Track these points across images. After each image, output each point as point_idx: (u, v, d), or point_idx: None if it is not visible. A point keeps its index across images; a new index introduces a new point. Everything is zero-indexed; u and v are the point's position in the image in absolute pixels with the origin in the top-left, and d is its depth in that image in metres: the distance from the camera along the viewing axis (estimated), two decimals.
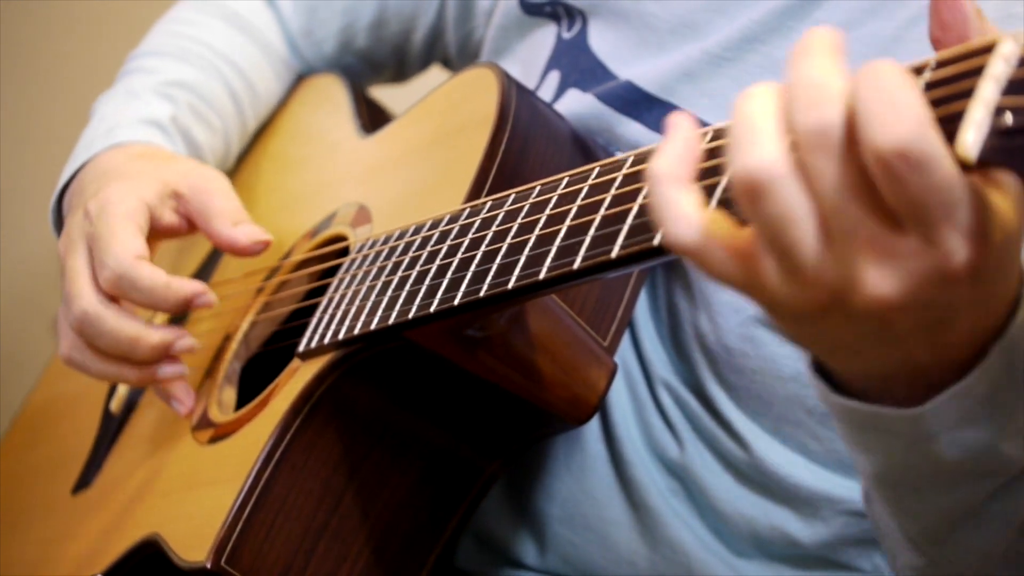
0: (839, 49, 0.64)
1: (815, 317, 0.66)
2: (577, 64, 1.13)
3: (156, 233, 1.09)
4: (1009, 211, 0.64)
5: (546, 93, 1.13)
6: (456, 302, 0.88)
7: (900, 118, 0.59)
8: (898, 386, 0.71)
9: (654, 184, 0.66)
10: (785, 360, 1.00)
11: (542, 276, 0.82)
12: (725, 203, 0.68)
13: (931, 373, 0.69)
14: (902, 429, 0.72)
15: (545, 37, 1.16)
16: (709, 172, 0.70)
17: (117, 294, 1.05)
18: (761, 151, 0.63)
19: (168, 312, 1.07)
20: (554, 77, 1.14)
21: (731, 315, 1.00)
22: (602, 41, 1.12)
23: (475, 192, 0.97)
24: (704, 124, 1.02)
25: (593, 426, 1.07)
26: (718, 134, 0.73)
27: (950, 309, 0.65)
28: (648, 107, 1.06)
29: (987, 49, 0.60)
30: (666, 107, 1.05)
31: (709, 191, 0.70)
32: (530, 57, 1.17)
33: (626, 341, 1.05)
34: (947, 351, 0.68)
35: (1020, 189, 0.63)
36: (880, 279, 0.63)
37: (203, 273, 1.27)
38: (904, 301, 0.63)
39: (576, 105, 1.10)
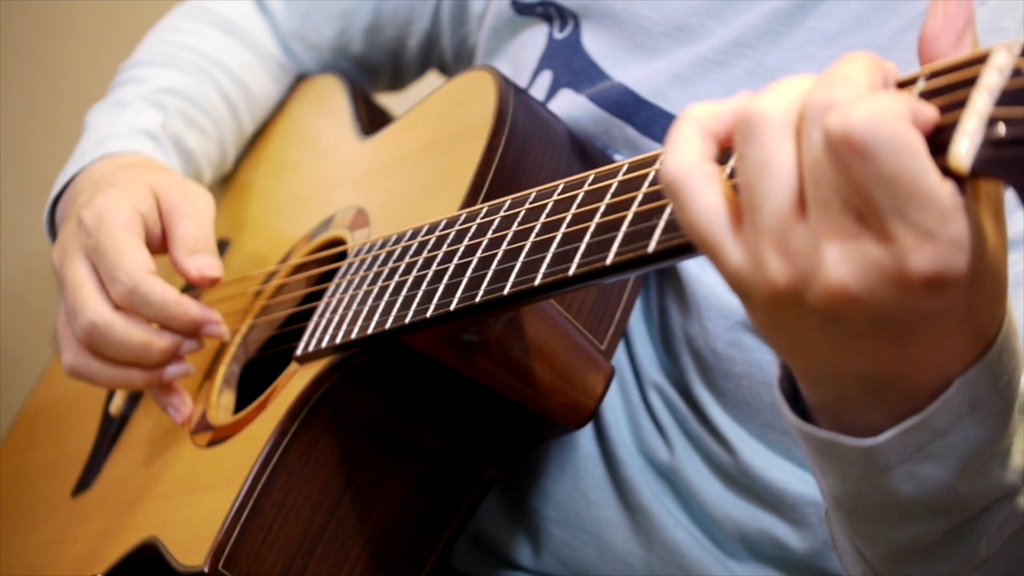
0: (883, 66, 0.64)
1: (775, 306, 0.65)
2: (570, 64, 1.13)
3: (150, 244, 1.09)
4: (993, 238, 0.63)
5: (537, 92, 1.13)
6: (452, 307, 0.88)
7: (851, 103, 0.60)
8: (855, 410, 0.70)
9: (671, 185, 0.66)
10: (771, 367, 1.00)
11: (537, 282, 0.82)
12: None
13: (887, 396, 0.68)
14: (856, 459, 0.71)
15: (535, 36, 1.16)
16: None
17: (128, 309, 1.05)
18: (769, 100, 0.63)
19: (176, 331, 1.06)
20: (546, 77, 1.14)
21: (720, 320, 1.00)
22: (595, 42, 1.12)
23: (472, 196, 0.97)
24: None
25: (587, 428, 1.06)
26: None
27: (908, 320, 0.64)
28: (639, 110, 1.06)
29: (980, 59, 0.60)
30: (656, 111, 1.06)
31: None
32: (520, 56, 1.17)
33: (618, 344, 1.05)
34: (907, 371, 0.67)
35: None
36: (840, 263, 0.62)
37: None
38: (859, 293, 0.62)
39: (570, 107, 1.10)
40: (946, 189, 0.60)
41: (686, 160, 0.65)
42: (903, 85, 0.63)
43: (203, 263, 1.07)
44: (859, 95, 0.61)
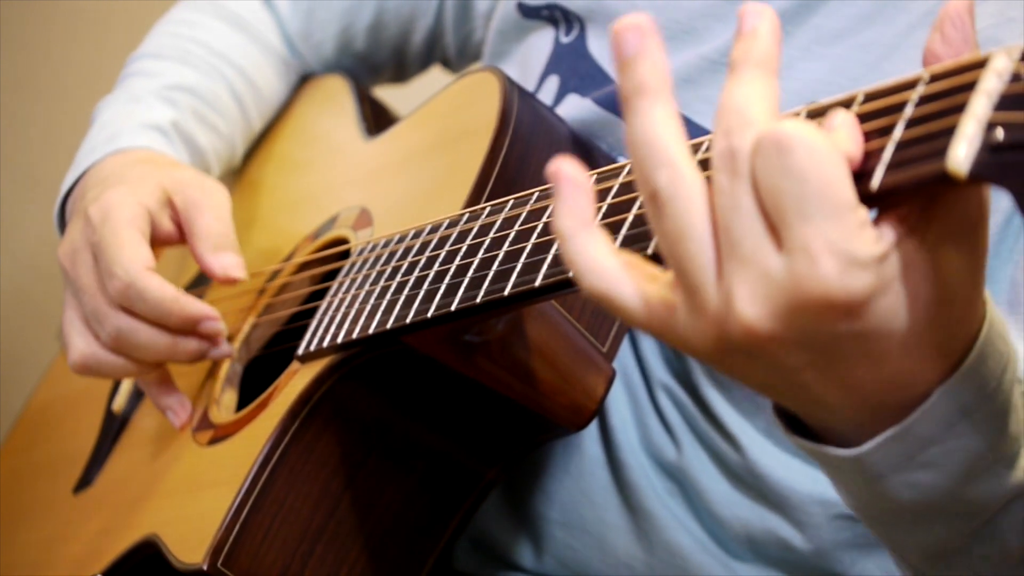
0: (769, 63, 0.64)
1: (719, 354, 0.65)
2: (576, 69, 1.13)
3: (156, 240, 1.09)
4: (955, 261, 0.63)
5: (545, 97, 1.13)
6: (453, 307, 0.88)
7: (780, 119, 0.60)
8: (841, 429, 0.69)
9: (561, 241, 0.66)
10: None
11: (538, 283, 0.82)
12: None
13: (861, 418, 0.68)
14: (849, 468, 0.70)
15: (543, 41, 1.16)
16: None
17: (124, 304, 1.04)
18: (668, 166, 0.63)
19: (173, 328, 1.05)
20: (553, 82, 1.14)
21: None
22: (601, 46, 1.12)
23: (476, 197, 0.97)
24: (702, 130, 1.03)
25: (591, 429, 1.07)
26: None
27: (837, 345, 0.63)
28: None
29: (980, 64, 0.60)
30: None
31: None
32: (528, 60, 1.17)
33: (625, 344, 1.05)
34: (866, 394, 0.66)
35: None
36: (747, 300, 0.62)
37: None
38: (771, 325, 0.61)
39: (575, 110, 1.10)
40: (860, 210, 0.60)
41: (681, 171, 0.64)
42: (905, 88, 0.63)
43: (229, 262, 1.06)
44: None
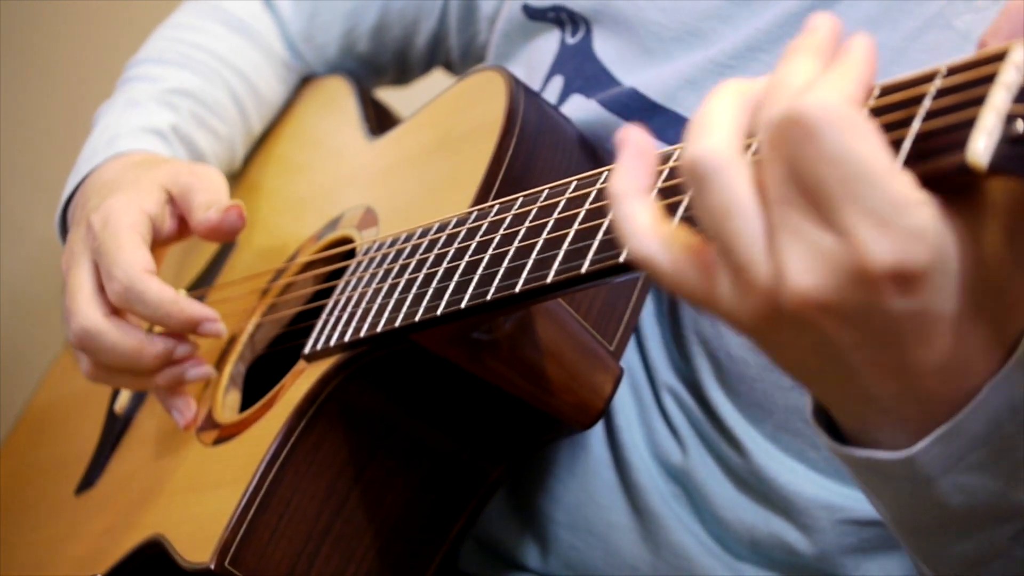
0: (822, 50, 0.64)
1: (767, 326, 0.64)
2: (582, 70, 1.13)
3: (159, 242, 1.09)
4: (998, 244, 0.63)
5: (549, 97, 1.13)
6: (463, 305, 0.88)
7: (802, 91, 0.60)
8: (885, 432, 0.69)
9: (613, 203, 0.67)
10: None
11: (549, 280, 0.82)
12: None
13: (908, 413, 0.67)
14: (900, 472, 0.69)
15: (548, 42, 1.16)
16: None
17: (123, 307, 1.05)
18: (710, 139, 0.63)
19: (173, 330, 1.06)
20: (557, 82, 1.14)
21: None
22: (607, 48, 1.12)
23: (482, 196, 0.97)
24: None
25: (597, 430, 1.07)
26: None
27: (888, 324, 0.62)
28: (651, 115, 1.06)
29: (999, 56, 0.60)
30: (669, 115, 1.05)
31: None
32: (533, 61, 1.17)
33: (631, 344, 1.05)
34: (915, 383, 0.65)
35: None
36: (801, 271, 0.61)
37: (208, 275, 1.27)
38: (825, 296, 0.61)
39: (580, 111, 1.10)
40: (902, 178, 0.59)
41: (723, 144, 0.64)
42: (923, 81, 0.63)
43: (220, 206, 1.07)
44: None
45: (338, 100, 1.30)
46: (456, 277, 0.89)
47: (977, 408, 0.66)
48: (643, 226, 0.66)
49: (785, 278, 0.62)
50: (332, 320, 0.99)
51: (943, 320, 0.63)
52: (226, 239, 1.09)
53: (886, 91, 0.65)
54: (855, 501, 1.01)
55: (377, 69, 1.36)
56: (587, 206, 0.82)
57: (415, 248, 0.96)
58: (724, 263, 0.64)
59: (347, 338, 0.96)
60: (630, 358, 1.05)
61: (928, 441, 0.67)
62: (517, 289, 0.84)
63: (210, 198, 1.08)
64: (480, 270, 0.88)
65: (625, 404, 1.06)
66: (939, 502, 0.70)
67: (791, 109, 0.60)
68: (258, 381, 1.12)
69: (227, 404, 1.10)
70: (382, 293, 0.96)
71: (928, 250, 0.60)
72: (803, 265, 0.61)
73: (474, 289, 0.87)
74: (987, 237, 0.63)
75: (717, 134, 0.63)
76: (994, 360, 0.66)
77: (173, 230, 1.10)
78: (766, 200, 0.62)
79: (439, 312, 0.89)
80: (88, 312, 1.05)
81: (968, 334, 0.64)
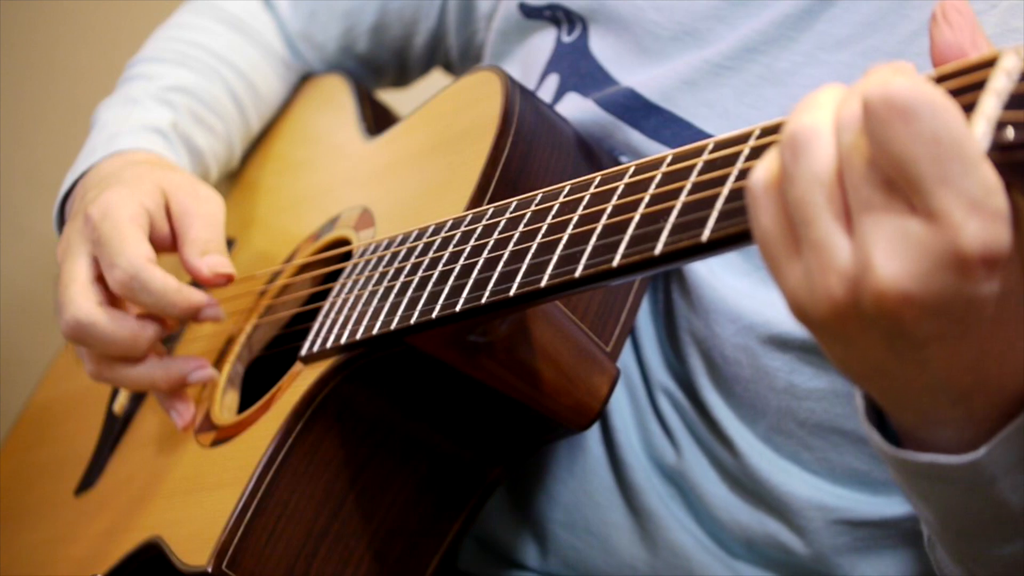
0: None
1: (837, 319, 0.63)
2: (577, 68, 1.12)
3: (152, 242, 1.09)
4: None
5: (544, 95, 1.13)
6: (458, 308, 0.88)
7: (893, 74, 0.60)
8: (947, 430, 0.68)
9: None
10: (778, 372, 1.00)
11: (544, 283, 0.82)
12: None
13: (975, 407, 0.66)
14: (959, 476, 0.69)
15: (544, 40, 1.16)
16: None
17: (126, 296, 1.05)
18: (814, 113, 0.63)
19: (175, 318, 1.06)
20: (553, 80, 1.14)
21: (727, 324, 1.00)
22: (603, 47, 1.12)
23: (478, 197, 0.97)
24: (704, 134, 1.02)
25: (594, 430, 1.07)
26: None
27: (970, 310, 0.61)
28: (647, 115, 1.06)
29: (989, 63, 0.60)
30: (665, 115, 1.05)
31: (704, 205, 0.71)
32: (529, 59, 1.17)
33: (626, 345, 1.05)
34: (987, 372, 0.65)
35: None
36: (889, 260, 0.60)
37: None
38: (914, 287, 0.59)
39: (576, 110, 1.10)
40: (987, 161, 0.59)
41: (824, 119, 0.63)
42: None
43: (215, 261, 1.07)
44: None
45: (336, 99, 1.30)
46: (451, 280, 0.89)
47: None
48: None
49: (871, 263, 0.60)
50: (329, 322, 0.99)
51: (1018, 301, 0.63)
52: (205, 285, 1.09)
53: None
54: (848, 502, 1.01)
55: (377, 69, 1.36)
56: (580, 211, 0.82)
57: (411, 251, 0.96)
58: (805, 238, 0.63)
59: (344, 340, 0.96)
60: (625, 359, 1.05)
61: (995, 442, 0.67)
62: (512, 293, 0.84)
63: (206, 236, 1.08)
64: (475, 273, 0.88)
65: (621, 405, 1.06)
66: (997, 502, 0.69)
67: (887, 89, 0.59)
68: (256, 382, 1.12)
69: (225, 405, 1.10)
70: (378, 295, 0.96)
71: (1008, 231, 0.59)
72: (890, 252, 0.60)
73: (469, 293, 0.87)
74: None
75: (821, 111, 0.63)
76: None
77: (164, 236, 1.10)
78: (851, 183, 0.61)
79: (434, 315, 0.89)
80: (80, 302, 1.05)
81: None
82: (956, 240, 0.59)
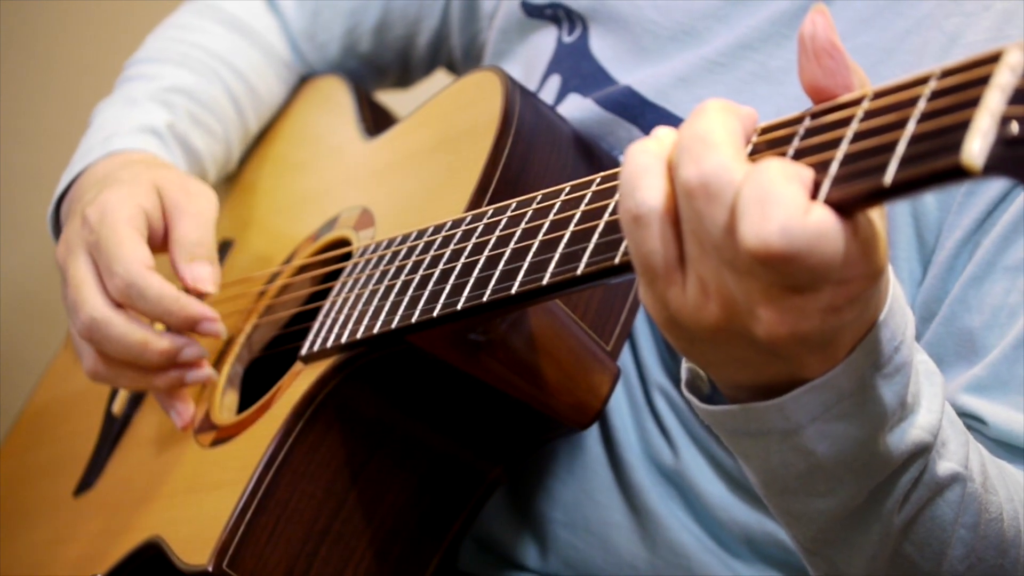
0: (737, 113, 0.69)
1: (715, 335, 0.69)
2: (578, 69, 1.13)
3: (150, 243, 1.09)
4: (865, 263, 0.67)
5: (547, 97, 1.13)
6: (459, 307, 0.88)
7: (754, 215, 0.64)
8: (773, 393, 0.73)
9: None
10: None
11: (545, 281, 0.82)
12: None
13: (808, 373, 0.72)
14: (771, 423, 0.74)
15: (545, 40, 1.16)
16: None
17: (125, 303, 1.05)
18: (647, 191, 0.68)
19: (173, 327, 1.06)
20: (555, 81, 1.14)
21: None
22: (603, 46, 1.12)
23: (479, 197, 0.97)
24: None
25: (593, 430, 1.07)
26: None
27: (825, 335, 0.69)
28: (644, 112, 1.06)
29: (993, 59, 0.60)
30: (661, 112, 1.06)
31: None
32: (531, 60, 1.17)
33: (625, 345, 1.05)
34: (825, 354, 0.71)
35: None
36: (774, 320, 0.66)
37: None
38: (795, 330, 0.67)
39: (577, 110, 1.10)
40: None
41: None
42: (918, 83, 0.63)
43: (199, 274, 1.06)
44: (725, 162, 0.65)
45: (335, 99, 1.30)
46: (452, 279, 0.89)
47: (848, 365, 0.71)
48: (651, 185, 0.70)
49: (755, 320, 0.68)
50: (329, 322, 0.99)
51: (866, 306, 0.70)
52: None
53: (879, 95, 0.65)
54: None
55: (380, 69, 1.36)
56: (582, 208, 0.82)
57: (411, 250, 0.96)
58: (692, 266, 0.68)
59: (344, 340, 0.96)
60: (622, 358, 1.05)
61: (799, 391, 0.72)
62: (513, 291, 0.84)
63: (195, 237, 1.07)
64: (476, 272, 0.88)
65: (619, 405, 1.06)
66: (807, 450, 0.74)
67: (763, 244, 0.64)
68: (256, 382, 1.12)
69: (225, 405, 1.10)
70: (379, 295, 0.96)
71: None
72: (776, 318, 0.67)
73: (470, 291, 0.87)
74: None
75: (653, 185, 0.68)
76: (864, 329, 0.72)
77: (161, 235, 1.10)
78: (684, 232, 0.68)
79: (435, 314, 0.89)
80: (95, 302, 1.05)
81: (860, 322, 0.71)
82: (743, 246, 0.64)
